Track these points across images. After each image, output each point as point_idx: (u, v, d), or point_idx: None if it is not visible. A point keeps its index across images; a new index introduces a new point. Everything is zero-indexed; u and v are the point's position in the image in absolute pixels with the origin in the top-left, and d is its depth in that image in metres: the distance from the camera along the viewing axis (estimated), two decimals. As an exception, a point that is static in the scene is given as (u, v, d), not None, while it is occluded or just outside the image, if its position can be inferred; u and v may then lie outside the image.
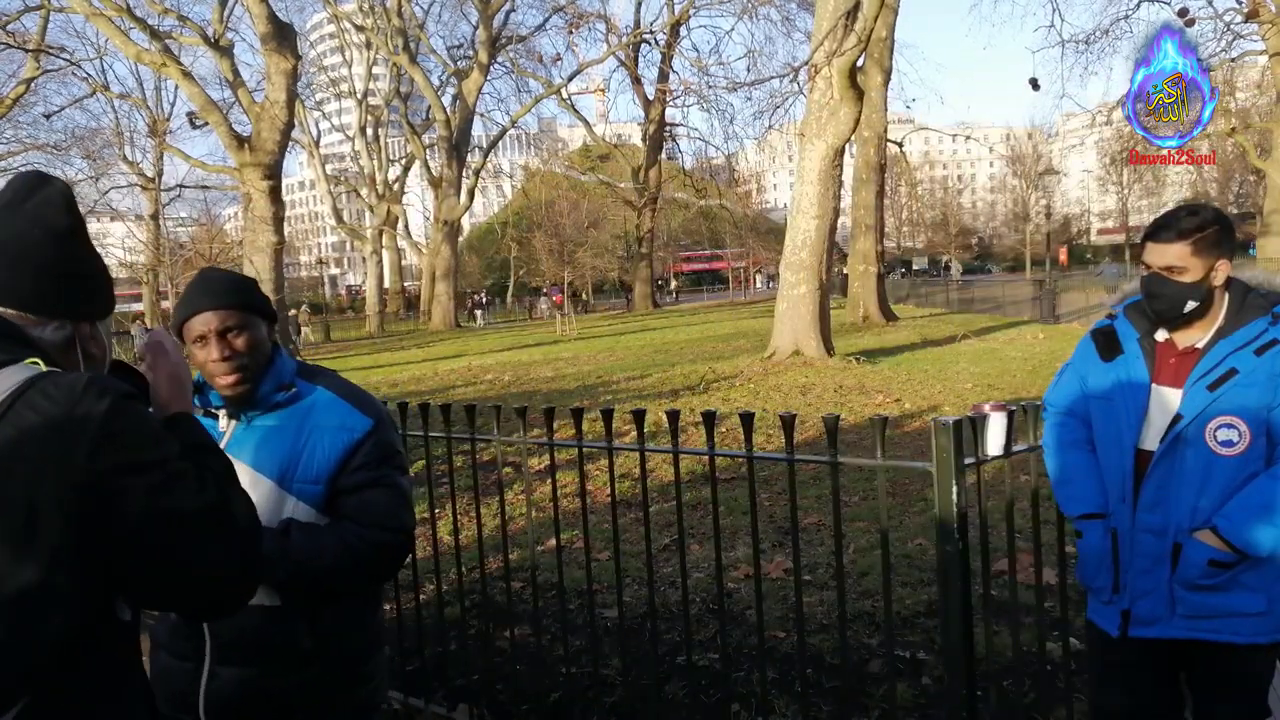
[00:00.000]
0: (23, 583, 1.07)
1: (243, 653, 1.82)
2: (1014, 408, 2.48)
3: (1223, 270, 2.18)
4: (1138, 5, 25.45)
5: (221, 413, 1.92)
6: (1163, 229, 2.19)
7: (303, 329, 36.03)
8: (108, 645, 1.19)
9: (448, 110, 38.43)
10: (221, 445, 1.82)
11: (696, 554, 5.15)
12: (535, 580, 3.42)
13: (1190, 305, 2.17)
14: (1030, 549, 2.77)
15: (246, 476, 1.80)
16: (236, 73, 22.71)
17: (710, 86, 38.27)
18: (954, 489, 2.23)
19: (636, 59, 42.94)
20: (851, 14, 13.37)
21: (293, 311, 41.35)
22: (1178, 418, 2.18)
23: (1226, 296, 2.22)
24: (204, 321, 1.84)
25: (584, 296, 52.33)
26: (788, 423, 2.56)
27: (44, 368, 1.16)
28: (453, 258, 39.34)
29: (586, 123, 46.94)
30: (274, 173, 20.63)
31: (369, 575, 1.92)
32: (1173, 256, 2.16)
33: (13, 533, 1.07)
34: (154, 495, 1.13)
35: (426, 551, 3.97)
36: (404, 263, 57.66)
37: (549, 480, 3.85)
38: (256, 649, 1.82)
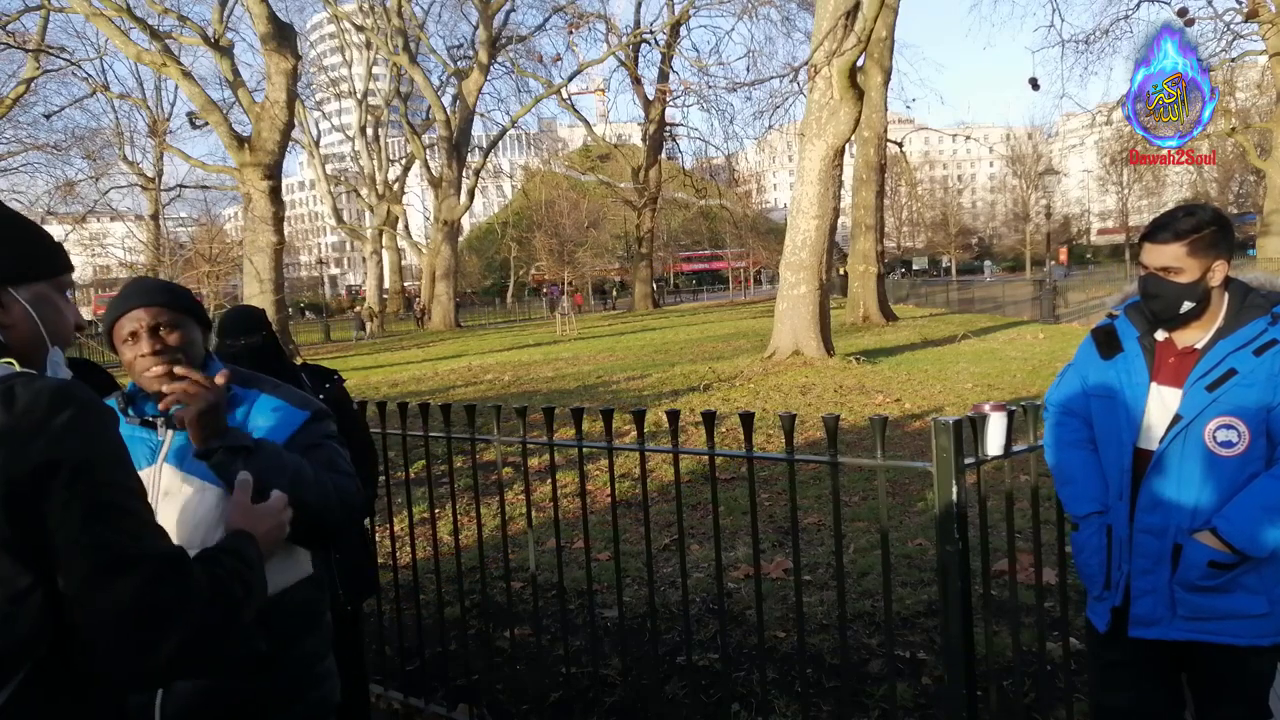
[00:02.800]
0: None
1: None
2: (1014, 408, 2.48)
3: (1220, 271, 2.18)
4: (1138, 5, 25.48)
5: (159, 422, 1.85)
6: (1159, 230, 2.19)
7: (367, 324, 38.00)
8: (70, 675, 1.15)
9: (448, 110, 38.42)
10: (160, 455, 1.81)
11: (696, 554, 5.15)
12: (535, 580, 3.42)
13: (1186, 306, 2.17)
14: (1030, 549, 2.77)
15: (192, 485, 1.77)
16: (236, 73, 22.72)
17: (710, 86, 38.38)
18: (954, 489, 2.23)
19: (636, 59, 42.95)
20: (851, 14, 13.37)
21: (358, 309, 42.98)
22: (1177, 418, 2.17)
23: (1226, 297, 2.21)
24: (135, 318, 1.80)
25: (614, 293, 52.24)
26: (788, 423, 2.56)
27: (17, 367, 1.12)
28: (453, 258, 39.32)
29: (586, 123, 46.93)
30: (274, 173, 20.64)
31: (342, 508, 1.88)
32: (1168, 257, 2.16)
33: None
34: (86, 521, 1.08)
35: (427, 551, 3.98)
36: (404, 263, 57.63)
37: (549, 480, 3.85)
38: None
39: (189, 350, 1.84)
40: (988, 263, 60.20)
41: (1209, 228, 2.16)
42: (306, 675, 1.93)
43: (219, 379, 1.76)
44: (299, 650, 1.91)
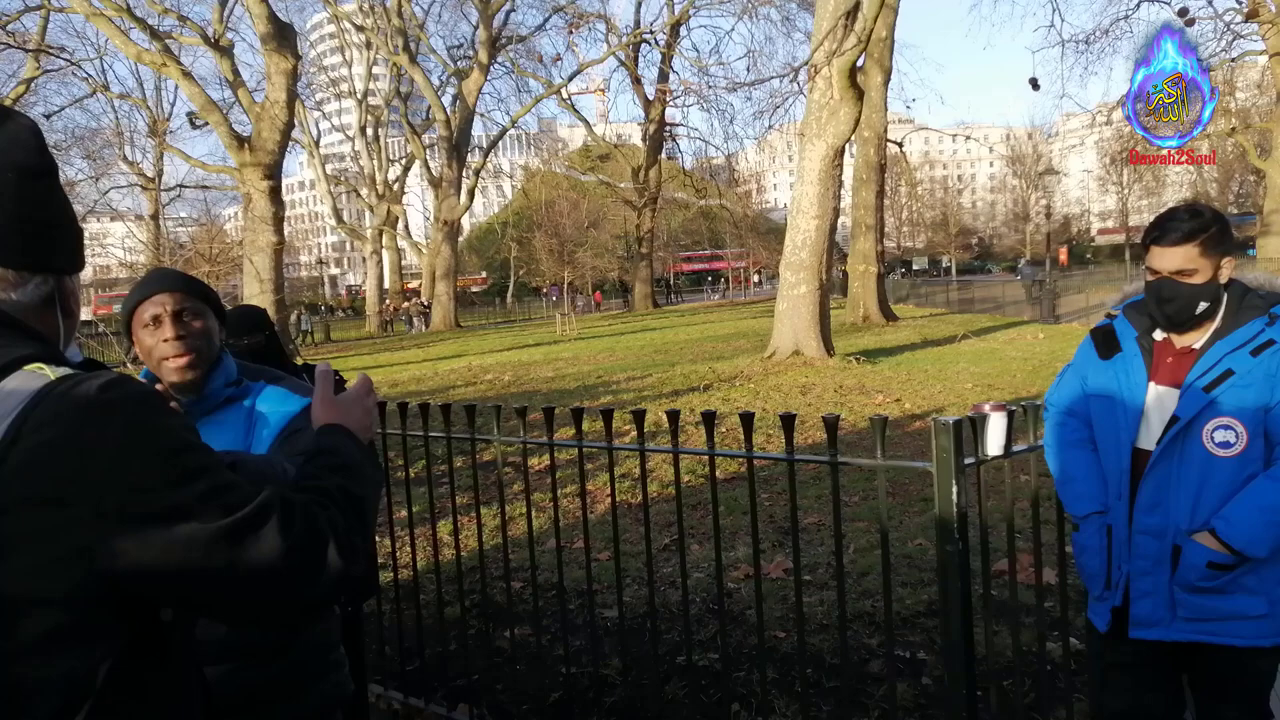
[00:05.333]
0: (48, 624, 0.95)
1: (212, 651, 1.78)
2: (1014, 408, 2.48)
3: (1228, 268, 2.18)
4: (1138, 5, 25.49)
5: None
6: (1168, 232, 2.17)
7: (415, 319, 39.02)
8: (155, 651, 1.07)
9: (448, 110, 38.42)
10: None
11: (696, 554, 5.15)
12: (535, 580, 3.42)
13: (1202, 306, 2.16)
14: (1030, 549, 2.77)
15: None
16: (236, 73, 22.73)
17: (710, 86, 38.34)
18: (954, 489, 2.23)
19: (636, 59, 42.95)
20: (851, 14, 13.37)
21: (405, 304, 43.82)
22: (1175, 419, 2.17)
23: (1225, 297, 2.21)
24: (158, 302, 1.80)
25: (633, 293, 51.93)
26: (788, 423, 2.56)
27: (49, 374, 1.01)
28: (453, 258, 39.33)
29: (586, 123, 46.92)
30: (274, 173, 20.64)
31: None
32: (1181, 259, 2.15)
33: (32, 572, 0.94)
34: (165, 539, 0.97)
35: (427, 552, 3.98)
36: (404, 263, 57.63)
37: (549, 480, 3.85)
38: (225, 646, 1.80)
39: (208, 339, 1.86)
40: (1022, 260, 57.83)
41: (1214, 226, 2.16)
42: (318, 663, 1.95)
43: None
44: (311, 637, 1.93)
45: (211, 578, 1.00)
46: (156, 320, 1.81)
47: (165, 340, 1.80)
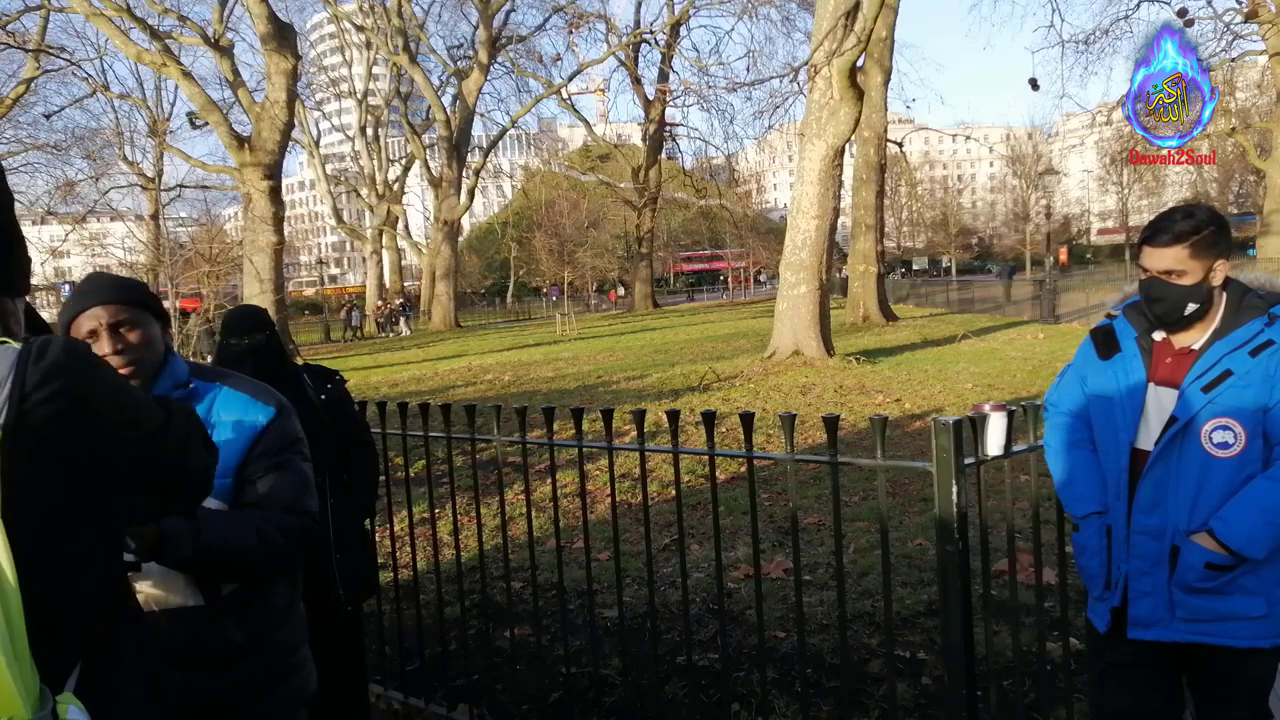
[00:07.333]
0: (83, 546, 1.17)
1: (177, 656, 1.78)
2: (1014, 408, 2.48)
3: (1221, 271, 2.18)
4: (1138, 5, 25.47)
5: None
6: (1159, 233, 2.18)
7: (397, 320, 39.20)
8: (127, 593, 1.37)
9: (448, 110, 38.41)
10: None
11: (696, 554, 5.15)
12: (535, 580, 3.42)
13: (1191, 308, 2.16)
14: (1030, 549, 2.78)
15: None
16: (236, 73, 22.75)
17: (710, 86, 38.32)
18: (954, 489, 2.23)
19: (636, 59, 42.94)
20: (851, 14, 13.37)
21: (392, 304, 43.80)
22: (1173, 419, 2.17)
23: (1224, 297, 2.21)
24: (94, 316, 1.79)
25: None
26: (788, 423, 2.56)
27: (14, 344, 1.16)
28: (453, 258, 39.32)
29: (586, 123, 46.91)
30: (274, 173, 20.65)
31: (280, 559, 1.84)
32: (1170, 260, 2.15)
33: (61, 504, 1.14)
34: (142, 444, 1.27)
35: (427, 552, 3.99)
36: (404, 263, 57.60)
37: (549, 480, 3.85)
38: (184, 651, 1.79)
39: (149, 347, 1.84)
40: (1047, 259, 56.43)
41: (1208, 228, 2.15)
42: (281, 666, 1.94)
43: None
44: (273, 641, 1.92)
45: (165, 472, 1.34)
46: (94, 334, 1.79)
47: (104, 356, 1.78)
